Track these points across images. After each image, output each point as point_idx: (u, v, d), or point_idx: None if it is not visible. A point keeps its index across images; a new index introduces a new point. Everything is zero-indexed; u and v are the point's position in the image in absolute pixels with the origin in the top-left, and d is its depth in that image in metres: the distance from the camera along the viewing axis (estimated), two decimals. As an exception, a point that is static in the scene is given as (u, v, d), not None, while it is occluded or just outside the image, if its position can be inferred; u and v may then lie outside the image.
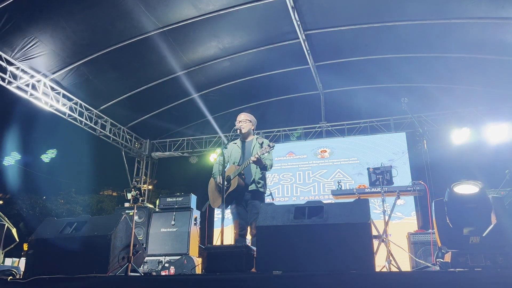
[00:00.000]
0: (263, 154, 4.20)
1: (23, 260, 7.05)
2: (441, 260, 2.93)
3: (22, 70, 6.70)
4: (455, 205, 3.05)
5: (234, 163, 4.45)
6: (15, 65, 6.59)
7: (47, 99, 7.24)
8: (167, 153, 10.18)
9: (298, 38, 7.10)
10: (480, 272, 2.63)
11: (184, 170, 10.08)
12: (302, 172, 8.77)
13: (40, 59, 6.73)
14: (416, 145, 7.98)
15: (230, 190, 4.25)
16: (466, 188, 3.09)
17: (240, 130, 4.51)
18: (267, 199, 6.57)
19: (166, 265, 6.01)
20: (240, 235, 4.31)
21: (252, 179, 4.36)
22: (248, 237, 4.43)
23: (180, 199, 6.80)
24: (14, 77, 6.63)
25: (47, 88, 7.19)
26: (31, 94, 6.95)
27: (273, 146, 4.17)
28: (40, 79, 7.01)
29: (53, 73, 7.11)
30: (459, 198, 3.04)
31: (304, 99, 9.33)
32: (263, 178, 4.47)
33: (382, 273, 3.26)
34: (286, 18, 6.60)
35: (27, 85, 6.84)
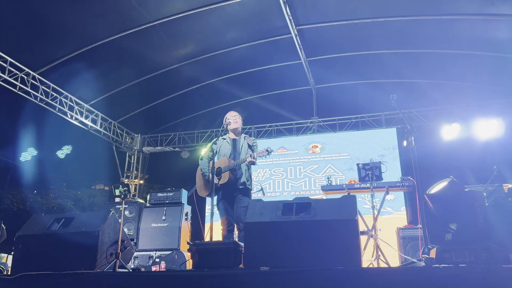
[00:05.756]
0: (260, 157, 4.31)
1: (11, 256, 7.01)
2: (427, 255, 2.97)
3: (10, 63, 6.61)
4: (429, 204, 3.13)
5: (224, 157, 4.49)
6: (3, 58, 6.49)
7: (37, 93, 7.15)
8: (158, 147, 10.14)
9: (290, 33, 7.07)
10: (464, 268, 2.67)
11: (176, 165, 10.06)
12: (293, 167, 8.79)
13: (29, 53, 6.65)
14: (403, 141, 8.01)
15: (220, 182, 4.35)
16: (437, 187, 3.18)
17: (231, 125, 4.58)
18: (258, 194, 6.63)
19: (157, 260, 6.02)
20: (228, 230, 4.40)
21: (243, 175, 4.46)
22: (236, 232, 4.48)
23: (171, 194, 6.79)
24: (3, 70, 6.54)
25: (36, 82, 7.11)
26: (20, 88, 6.85)
27: (271, 152, 4.25)
28: (29, 72, 6.93)
29: (42, 66, 7.03)
30: (430, 198, 3.12)
31: (296, 94, 9.32)
32: (251, 175, 4.61)
33: (368, 269, 3.30)
34: (278, 12, 6.57)
35: (16, 79, 6.74)
